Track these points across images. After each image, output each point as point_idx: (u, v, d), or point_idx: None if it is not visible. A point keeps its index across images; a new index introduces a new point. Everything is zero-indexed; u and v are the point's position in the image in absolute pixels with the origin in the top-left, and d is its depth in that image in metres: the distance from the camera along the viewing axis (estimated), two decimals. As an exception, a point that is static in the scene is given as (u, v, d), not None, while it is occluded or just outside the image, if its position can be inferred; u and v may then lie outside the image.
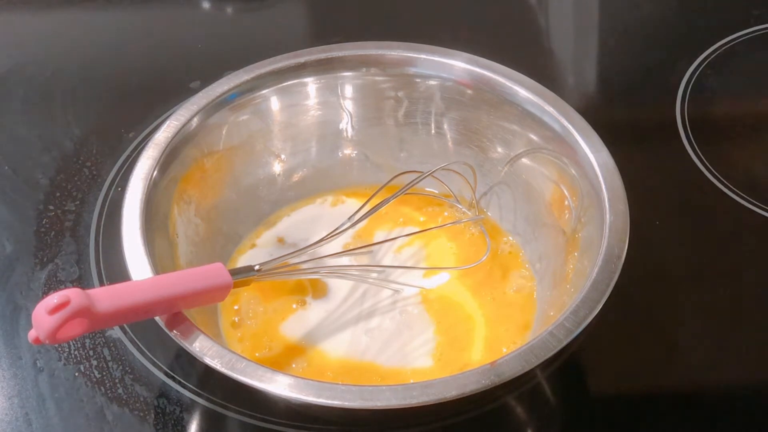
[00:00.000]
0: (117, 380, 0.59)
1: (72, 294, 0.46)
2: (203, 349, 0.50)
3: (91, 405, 0.58)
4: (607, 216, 0.55)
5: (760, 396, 0.58)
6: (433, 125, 0.67)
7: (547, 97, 0.62)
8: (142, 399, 0.58)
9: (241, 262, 0.64)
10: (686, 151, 0.73)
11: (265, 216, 0.66)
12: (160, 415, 0.57)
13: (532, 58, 0.83)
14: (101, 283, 0.65)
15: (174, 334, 0.51)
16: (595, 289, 0.52)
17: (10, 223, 0.69)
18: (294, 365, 0.58)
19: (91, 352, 0.60)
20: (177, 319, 0.51)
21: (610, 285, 0.52)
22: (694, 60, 0.81)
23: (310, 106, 0.67)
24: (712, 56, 0.81)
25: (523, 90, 0.63)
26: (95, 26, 0.90)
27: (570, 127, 0.60)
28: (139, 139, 0.74)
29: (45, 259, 0.66)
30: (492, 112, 0.64)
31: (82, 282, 0.65)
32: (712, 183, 0.70)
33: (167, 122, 0.61)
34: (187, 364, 0.59)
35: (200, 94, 0.63)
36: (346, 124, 0.68)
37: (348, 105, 0.67)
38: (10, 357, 0.60)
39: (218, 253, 0.63)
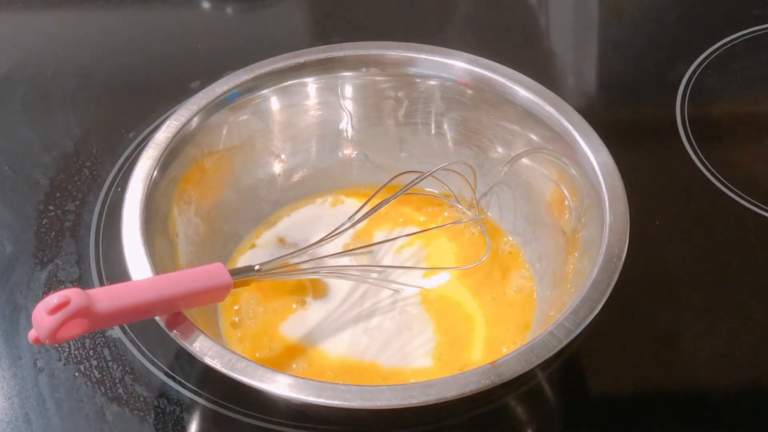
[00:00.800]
0: (117, 380, 0.59)
1: (72, 294, 0.46)
2: (203, 349, 0.50)
3: (91, 405, 0.58)
4: (607, 216, 0.55)
5: (760, 396, 0.58)
6: (433, 125, 0.67)
7: (547, 97, 0.62)
8: (142, 399, 0.58)
9: (241, 262, 0.64)
10: (686, 151, 0.73)
11: (265, 216, 0.66)
12: (160, 415, 0.57)
13: (532, 58, 0.83)
14: (101, 283, 0.65)
15: (174, 334, 0.51)
16: (595, 289, 0.52)
17: (10, 223, 0.69)
18: (294, 365, 0.58)
19: (91, 352, 0.60)
20: (177, 319, 0.51)
21: (610, 285, 0.52)
22: (694, 60, 0.81)
23: (310, 106, 0.67)
24: (712, 56, 0.81)
25: (523, 90, 0.63)
26: (95, 26, 0.90)
27: (570, 127, 0.60)
28: (139, 139, 0.74)
29: (45, 259, 0.66)
30: (492, 112, 0.64)
31: (82, 282, 0.65)
32: (712, 183, 0.70)
33: (167, 122, 0.61)
34: (187, 364, 0.59)
35: (200, 94, 0.63)
36: (346, 124, 0.68)
37: (348, 105, 0.67)
38: (10, 357, 0.60)
39: (218, 253, 0.63)
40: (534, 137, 0.63)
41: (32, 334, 0.47)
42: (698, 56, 0.81)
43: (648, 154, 0.73)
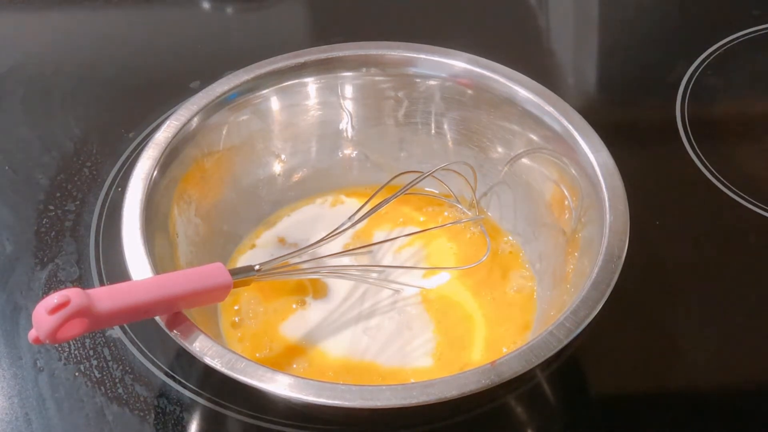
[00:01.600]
0: (117, 380, 0.59)
1: (72, 294, 0.46)
2: (203, 349, 0.50)
3: (91, 405, 0.58)
4: (607, 216, 0.55)
5: (760, 396, 0.58)
6: (433, 125, 0.67)
7: (547, 97, 0.62)
8: (142, 399, 0.58)
9: (241, 262, 0.64)
10: (686, 151, 0.73)
11: (265, 216, 0.66)
12: (160, 415, 0.57)
13: (532, 58, 0.83)
14: (101, 283, 0.65)
15: (174, 334, 0.51)
16: (595, 289, 0.52)
17: (10, 223, 0.69)
18: (294, 365, 0.58)
19: (91, 352, 0.60)
20: (177, 319, 0.51)
21: (610, 285, 0.52)
22: (694, 60, 0.81)
23: (310, 106, 0.67)
24: (712, 56, 0.81)
25: (523, 90, 0.63)
26: (95, 26, 0.90)
27: (570, 127, 0.60)
28: (139, 139, 0.74)
29: (45, 259, 0.66)
30: (492, 112, 0.64)
31: (82, 282, 0.65)
32: (712, 183, 0.70)
33: (167, 122, 0.61)
34: (187, 364, 0.59)
35: (200, 94, 0.63)
36: (346, 124, 0.68)
37: (348, 105, 0.67)
38: (10, 357, 0.60)
39: (218, 253, 0.63)
40: (534, 137, 0.63)
41: (32, 333, 0.47)
42: (698, 56, 0.81)
43: (648, 154, 0.73)
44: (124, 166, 0.72)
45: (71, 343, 0.61)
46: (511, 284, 0.62)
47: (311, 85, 0.66)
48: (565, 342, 0.50)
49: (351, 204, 0.67)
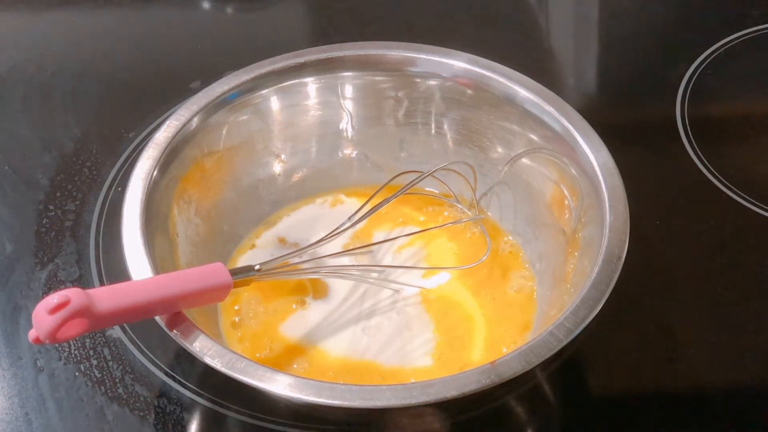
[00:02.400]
0: (117, 380, 0.59)
1: (72, 294, 0.46)
2: (203, 349, 0.50)
3: (91, 405, 0.58)
4: (607, 216, 0.55)
5: (760, 396, 0.58)
6: (433, 125, 0.67)
7: (547, 97, 0.62)
8: (142, 399, 0.58)
9: (241, 262, 0.64)
10: (686, 151, 0.73)
11: (265, 216, 0.66)
12: (160, 415, 0.57)
13: (532, 58, 0.83)
14: (101, 283, 0.65)
15: (174, 334, 0.51)
16: (595, 289, 0.52)
17: (10, 223, 0.69)
18: (294, 365, 0.58)
19: (91, 352, 0.60)
20: (177, 319, 0.51)
21: (610, 285, 0.52)
22: (694, 60, 0.81)
23: (310, 106, 0.67)
24: (712, 56, 0.81)
25: (523, 90, 0.63)
26: (95, 26, 0.90)
27: (570, 127, 0.60)
28: (139, 139, 0.74)
29: (45, 259, 0.66)
30: (492, 112, 0.64)
31: (82, 282, 0.65)
32: (712, 183, 0.70)
33: (167, 122, 0.61)
34: (187, 364, 0.59)
35: (200, 94, 0.63)
36: (346, 124, 0.68)
37: (348, 105, 0.67)
38: (10, 357, 0.60)
39: (218, 253, 0.63)
40: (534, 137, 0.63)
41: (32, 333, 0.47)
42: (698, 56, 0.81)
43: (648, 154, 0.73)
44: (124, 166, 0.72)
45: (71, 343, 0.61)
46: (511, 284, 0.62)
47: (311, 85, 0.66)
48: (565, 342, 0.50)
49: (351, 204, 0.67)
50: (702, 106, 0.77)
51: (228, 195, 0.65)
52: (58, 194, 0.71)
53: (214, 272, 0.53)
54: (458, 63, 0.65)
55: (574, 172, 0.60)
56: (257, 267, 0.56)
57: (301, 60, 0.65)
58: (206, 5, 0.91)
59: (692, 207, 0.69)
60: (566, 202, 0.61)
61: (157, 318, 0.51)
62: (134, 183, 0.58)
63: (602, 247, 0.54)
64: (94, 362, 0.60)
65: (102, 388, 0.58)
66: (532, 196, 0.63)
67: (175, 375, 0.59)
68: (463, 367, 0.57)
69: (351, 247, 0.64)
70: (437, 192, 0.67)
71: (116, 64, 0.84)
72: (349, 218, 0.63)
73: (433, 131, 0.67)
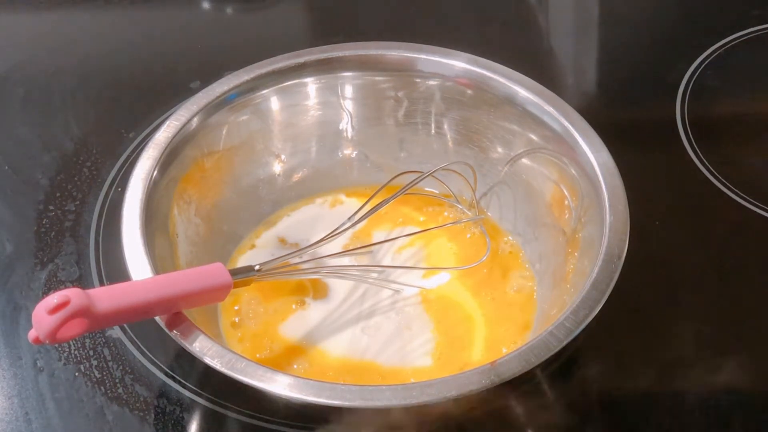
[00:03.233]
0: (117, 380, 0.59)
1: (72, 294, 0.46)
2: (203, 349, 0.50)
3: (91, 405, 0.58)
4: (607, 216, 0.55)
5: (760, 396, 0.58)
6: (433, 125, 0.67)
7: (547, 97, 0.62)
8: (142, 399, 0.58)
9: (241, 262, 0.64)
10: (686, 151, 0.73)
11: (265, 216, 0.66)
12: (160, 415, 0.57)
13: (532, 58, 0.83)
14: (101, 283, 0.65)
15: (174, 334, 0.51)
16: (595, 289, 0.52)
17: (10, 223, 0.69)
18: (294, 365, 0.58)
19: (91, 352, 0.60)
20: (177, 319, 0.51)
21: (610, 285, 0.52)
22: (694, 60, 0.81)
23: (310, 106, 0.67)
24: (712, 56, 0.81)
25: (523, 90, 0.63)
26: (95, 26, 0.90)
27: (570, 127, 0.60)
28: (139, 139, 0.74)
29: (45, 259, 0.66)
30: (492, 112, 0.64)
31: (82, 282, 0.65)
32: (712, 183, 0.70)
33: (167, 122, 0.61)
34: (187, 364, 0.59)
35: (200, 94, 0.63)
36: (346, 124, 0.68)
37: (348, 105, 0.67)
38: (10, 357, 0.60)
39: (218, 253, 0.63)
40: (534, 137, 0.63)
41: (32, 333, 0.47)
42: (698, 56, 0.81)
43: (648, 154, 0.73)
44: (124, 166, 0.72)
45: (71, 343, 0.61)
46: (511, 284, 0.62)
47: (311, 85, 0.66)
48: (565, 342, 0.50)
49: (351, 204, 0.67)
50: (702, 106, 0.77)
51: (228, 195, 0.65)
52: (58, 194, 0.71)
53: (214, 272, 0.53)
54: (458, 63, 0.65)
55: (574, 172, 0.60)
56: (257, 267, 0.56)
57: (301, 60, 0.65)
58: (206, 5, 0.91)
59: (692, 207, 0.69)
60: (566, 202, 0.61)
61: (157, 318, 0.51)
62: (134, 183, 0.58)
63: (602, 247, 0.54)
64: (94, 362, 0.60)
65: (102, 388, 0.58)
66: (532, 196, 0.63)
67: (175, 375, 0.59)
68: (463, 367, 0.57)
69: (351, 248, 0.64)
70: (437, 192, 0.67)
71: (116, 64, 0.84)
72: (349, 218, 0.63)
73: (433, 131, 0.67)
